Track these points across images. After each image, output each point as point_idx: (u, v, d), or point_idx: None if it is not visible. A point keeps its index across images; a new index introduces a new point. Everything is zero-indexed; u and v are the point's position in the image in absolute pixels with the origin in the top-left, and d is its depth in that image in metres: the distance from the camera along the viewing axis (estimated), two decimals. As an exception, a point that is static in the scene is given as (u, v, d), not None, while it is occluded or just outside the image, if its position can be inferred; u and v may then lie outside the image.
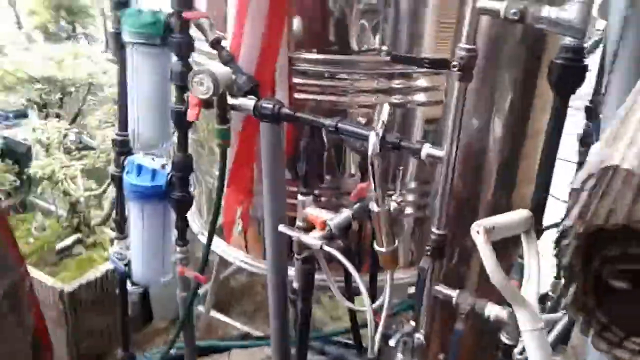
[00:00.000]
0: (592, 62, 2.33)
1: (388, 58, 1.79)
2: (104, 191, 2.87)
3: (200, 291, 3.04)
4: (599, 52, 2.21)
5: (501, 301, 1.34)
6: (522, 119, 1.47)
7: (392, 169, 1.82)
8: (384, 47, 1.81)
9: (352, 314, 2.20)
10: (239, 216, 2.18)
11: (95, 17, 4.87)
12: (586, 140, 2.29)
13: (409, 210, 2.04)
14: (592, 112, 2.32)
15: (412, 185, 2.00)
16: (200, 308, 3.05)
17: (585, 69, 1.16)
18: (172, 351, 2.52)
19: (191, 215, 2.25)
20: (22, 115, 3.70)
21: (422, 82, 1.86)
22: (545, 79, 1.35)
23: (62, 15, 4.69)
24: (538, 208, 1.19)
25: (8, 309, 1.35)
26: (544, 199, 1.23)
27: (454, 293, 1.38)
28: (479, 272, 1.55)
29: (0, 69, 3.11)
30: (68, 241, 2.87)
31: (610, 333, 0.78)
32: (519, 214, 1.11)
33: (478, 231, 1.04)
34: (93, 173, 2.95)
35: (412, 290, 2.22)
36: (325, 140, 1.81)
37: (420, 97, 1.88)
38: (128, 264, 2.06)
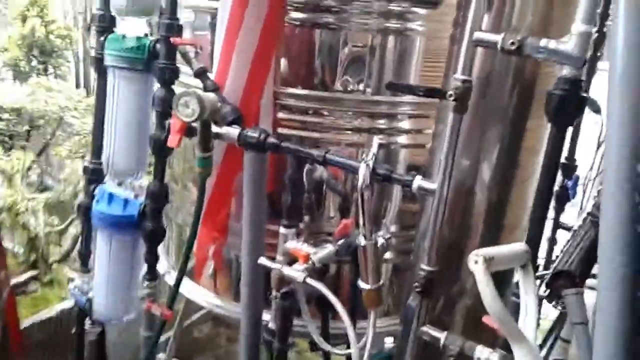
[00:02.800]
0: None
1: (372, 97, 1.79)
2: (67, 227, 2.74)
3: (161, 339, 2.89)
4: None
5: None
6: (511, 163, 1.46)
7: (376, 209, 1.78)
8: (368, 88, 1.81)
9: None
10: (211, 256, 2.09)
11: (67, 57, 4.86)
12: (562, 197, 2.34)
13: (388, 255, 1.99)
14: (569, 170, 2.38)
15: (393, 229, 1.95)
16: (161, 356, 2.87)
17: (584, 100, 1.17)
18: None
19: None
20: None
21: (405, 124, 1.85)
22: (535, 118, 1.36)
23: (34, 54, 4.65)
24: (533, 245, 1.16)
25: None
26: (539, 236, 1.21)
27: (441, 335, 1.32)
28: (464, 317, 1.50)
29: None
30: (23, 278, 2.70)
31: None
32: (517, 247, 1.08)
33: (476, 260, 0.99)
34: (56, 209, 2.82)
35: (388, 341, 2.14)
36: (305, 181, 1.78)
37: (404, 139, 1.87)
38: (89, 300, 1.93)
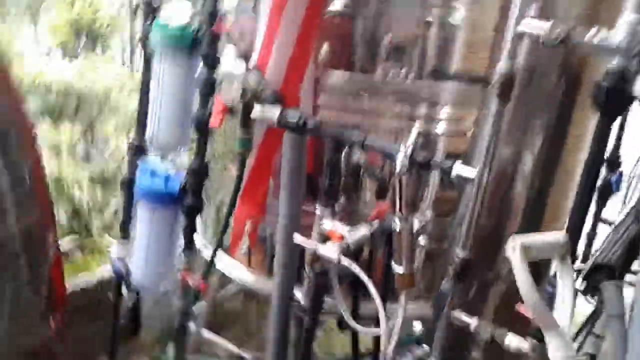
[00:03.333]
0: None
1: (412, 86, 1.78)
2: (109, 200, 2.83)
3: (195, 311, 2.96)
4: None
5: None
6: (554, 154, 1.45)
7: (413, 195, 1.79)
8: (411, 73, 1.81)
9: (355, 343, 2.13)
10: (247, 232, 2.14)
11: (113, 39, 4.96)
12: (604, 192, 2.29)
13: (422, 241, 2.00)
14: (613, 164, 2.33)
15: (429, 215, 1.96)
16: (192, 326, 2.95)
17: (631, 94, 1.15)
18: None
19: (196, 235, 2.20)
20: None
21: (447, 111, 1.84)
22: (581, 108, 1.34)
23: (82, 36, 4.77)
24: (572, 237, 1.16)
25: (22, 249, 1.30)
26: (579, 228, 1.20)
27: (472, 321, 1.34)
28: (497, 304, 1.50)
29: (18, 75, 3.12)
30: (66, 246, 2.80)
31: None
32: (556, 236, 1.08)
33: (514, 247, 1.00)
34: (100, 183, 2.92)
35: (417, 325, 2.16)
36: (342, 164, 1.80)
37: (444, 127, 1.86)
38: (127, 268, 2.01)
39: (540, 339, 1.21)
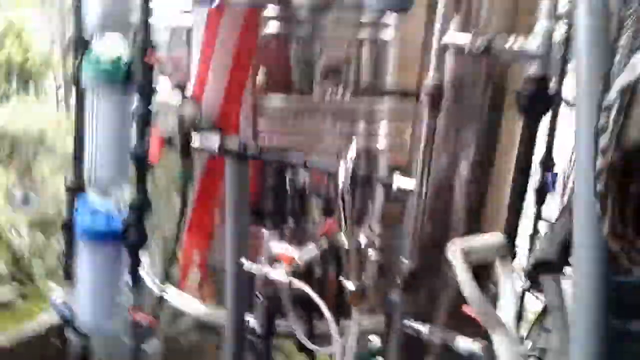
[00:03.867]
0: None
1: (350, 104, 1.82)
2: (50, 243, 2.73)
3: (148, 349, 2.87)
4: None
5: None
6: (487, 160, 1.50)
7: (360, 210, 1.81)
8: (347, 92, 1.84)
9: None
10: (197, 265, 2.11)
11: (47, 78, 4.82)
12: (542, 192, 2.38)
13: (373, 255, 2.02)
14: (547, 165, 2.43)
15: (377, 229, 1.98)
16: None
17: (551, 97, 1.21)
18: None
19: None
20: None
21: (385, 126, 1.88)
22: (509, 115, 1.41)
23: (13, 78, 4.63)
24: (510, 236, 1.20)
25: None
26: (516, 226, 1.25)
27: (423, 327, 1.36)
28: (448, 311, 1.53)
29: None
30: (7, 295, 2.68)
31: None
32: (494, 238, 1.12)
33: (454, 251, 1.03)
34: (39, 227, 2.82)
35: (374, 339, 2.17)
36: (287, 185, 1.81)
37: (383, 143, 1.90)
38: (72, 312, 1.94)
39: (489, 339, 1.25)
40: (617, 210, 0.76)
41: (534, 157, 1.33)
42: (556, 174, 2.43)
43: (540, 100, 1.16)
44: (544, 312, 2.40)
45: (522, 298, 1.82)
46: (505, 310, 1.09)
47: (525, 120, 1.20)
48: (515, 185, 1.26)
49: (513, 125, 1.48)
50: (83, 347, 2.05)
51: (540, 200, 2.36)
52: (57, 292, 2.07)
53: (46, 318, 2.54)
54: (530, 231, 2.39)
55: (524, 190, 1.29)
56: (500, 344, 1.04)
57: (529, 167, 1.26)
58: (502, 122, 1.48)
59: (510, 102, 1.42)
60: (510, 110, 1.44)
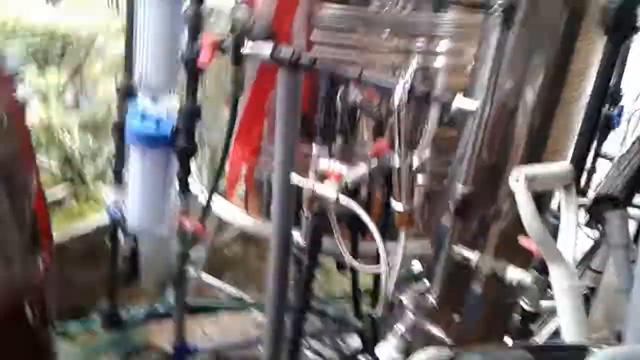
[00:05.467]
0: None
1: (412, 15, 1.71)
2: (101, 145, 2.78)
3: (194, 255, 2.97)
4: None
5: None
6: (557, 85, 1.39)
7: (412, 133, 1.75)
8: (408, 4, 1.73)
9: (355, 283, 2.14)
10: (243, 177, 2.11)
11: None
12: (604, 126, 2.25)
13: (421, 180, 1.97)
14: (614, 99, 2.28)
15: (428, 154, 1.92)
16: (192, 271, 2.96)
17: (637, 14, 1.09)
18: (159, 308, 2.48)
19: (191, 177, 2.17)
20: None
21: (446, 44, 1.77)
22: (585, 38, 1.29)
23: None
24: (577, 166, 1.13)
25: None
26: (584, 157, 1.17)
27: (473, 255, 1.32)
28: (498, 240, 1.49)
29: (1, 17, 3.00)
30: (59, 193, 2.77)
31: None
32: (560, 166, 1.05)
33: (518, 178, 0.97)
34: (90, 128, 2.86)
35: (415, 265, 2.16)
36: (339, 103, 1.74)
37: (443, 61, 1.80)
38: (122, 213, 1.99)
39: (542, 271, 1.21)
40: None
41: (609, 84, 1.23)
42: (622, 108, 2.28)
43: (627, 16, 1.04)
44: (592, 252, 2.34)
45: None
46: (565, 242, 1.04)
47: (608, 40, 1.09)
48: (588, 113, 1.16)
49: (588, 50, 1.36)
50: (132, 248, 2.12)
51: (602, 135, 2.24)
52: (108, 194, 2.13)
53: (97, 218, 2.63)
54: (589, 167, 2.29)
55: (597, 120, 1.19)
56: (557, 276, 1.00)
57: (606, 90, 1.16)
58: (578, 44, 1.36)
59: (588, 26, 1.30)
60: (586, 35, 1.32)
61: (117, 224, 2.11)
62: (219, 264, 3.21)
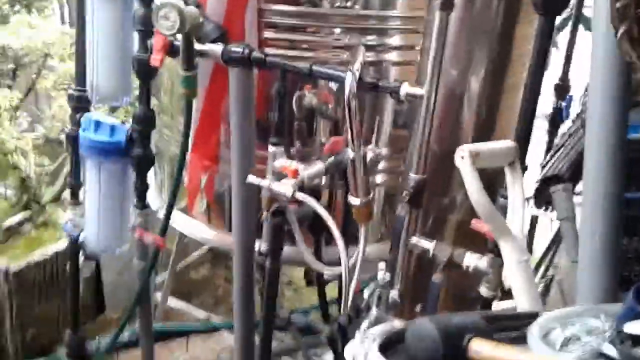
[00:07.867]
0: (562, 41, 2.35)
1: (361, 12, 1.73)
2: (58, 166, 2.72)
3: (158, 280, 2.91)
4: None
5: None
6: (500, 71, 1.42)
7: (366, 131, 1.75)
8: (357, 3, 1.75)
9: (322, 293, 2.10)
10: (203, 187, 2.08)
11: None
12: (555, 120, 2.31)
13: (379, 179, 1.97)
14: (562, 90, 2.34)
15: (385, 152, 1.93)
16: (158, 296, 2.89)
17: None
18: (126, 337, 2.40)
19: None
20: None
21: (396, 40, 1.80)
22: (524, 22, 1.32)
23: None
24: (521, 143, 1.15)
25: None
26: (528, 134, 1.19)
27: (430, 245, 1.32)
28: (454, 232, 1.50)
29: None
30: (16, 219, 2.69)
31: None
32: (504, 144, 1.06)
33: (462, 155, 0.97)
34: (46, 149, 2.80)
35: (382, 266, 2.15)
36: (294, 106, 1.74)
37: (394, 56, 1.82)
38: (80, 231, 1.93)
39: (497, 254, 1.21)
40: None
41: (548, 60, 1.26)
42: (571, 97, 2.32)
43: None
44: (551, 247, 2.38)
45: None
46: (514, 218, 1.05)
47: (543, 12, 1.12)
48: (528, 87, 1.19)
49: (528, 35, 1.40)
50: (93, 273, 2.04)
51: (553, 127, 2.28)
52: (66, 215, 2.05)
53: (58, 245, 2.54)
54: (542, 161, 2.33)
55: (537, 94, 1.22)
56: (507, 251, 1.00)
57: (544, 65, 1.18)
58: (517, 31, 1.40)
59: (526, 8, 1.33)
60: (526, 17, 1.35)
61: (76, 246, 2.02)
62: (185, 288, 3.15)
